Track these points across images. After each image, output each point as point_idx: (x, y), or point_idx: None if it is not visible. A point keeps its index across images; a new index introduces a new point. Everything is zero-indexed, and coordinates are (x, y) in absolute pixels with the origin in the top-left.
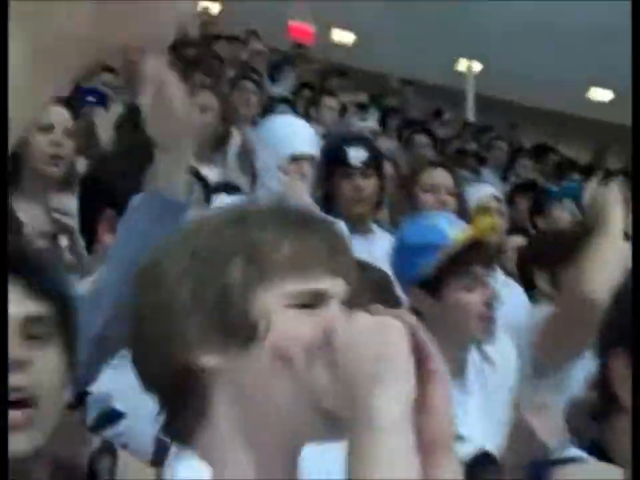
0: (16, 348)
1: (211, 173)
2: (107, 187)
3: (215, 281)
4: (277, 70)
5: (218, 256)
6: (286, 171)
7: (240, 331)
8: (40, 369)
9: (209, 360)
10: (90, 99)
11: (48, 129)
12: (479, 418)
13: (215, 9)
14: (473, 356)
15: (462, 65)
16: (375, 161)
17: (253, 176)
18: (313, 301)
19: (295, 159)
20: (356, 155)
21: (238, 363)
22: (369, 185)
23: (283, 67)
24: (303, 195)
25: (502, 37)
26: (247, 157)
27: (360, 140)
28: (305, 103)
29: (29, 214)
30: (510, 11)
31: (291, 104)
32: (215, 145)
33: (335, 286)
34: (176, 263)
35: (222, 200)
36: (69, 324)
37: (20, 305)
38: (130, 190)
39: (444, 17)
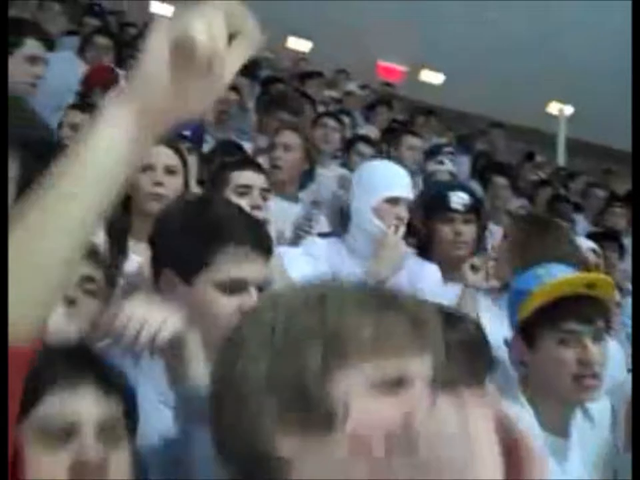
0: (92, 451)
1: (296, 211)
2: (170, 248)
3: (291, 365)
4: (371, 110)
5: (294, 339)
6: (380, 214)
7: (317, 417)
8: (114, 469)
9: (284, 447)
10: (186, 132)
11: (147, 168)
12: (578, 477)
13: (305, 46)
14: (576, 412)
15: (553, 107)
16: (476, 207)
17: (344, 217)
18: (396, 384)
19: (390, 201)
20: (458, 199)
21: (315, 452)
22: (469, 230)
23: (377, 107)
24: (398, 241)
25: (594, 79)
26: (330, 197)
27: (462, 185)
28: (385, 141)
29: (143, 255)
30: (603, 53)
31: (372, 143)
32: (299, 183)
33: (420, 365)
34: (254, 338)
35: (314, 241)
36: (134, 416)
37: (94, 407)
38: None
39: (534, 57)
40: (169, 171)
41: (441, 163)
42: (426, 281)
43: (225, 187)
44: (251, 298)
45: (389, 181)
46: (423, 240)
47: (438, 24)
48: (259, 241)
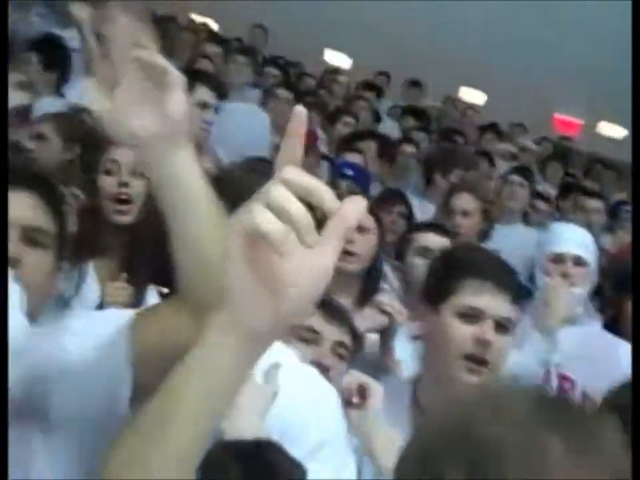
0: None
1: None
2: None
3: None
4: (546, 165)
5: (436, 459)
6: (548, 273)
7: None
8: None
9: None
10: (347, 172)
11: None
12: None
13: (480, 99)
14: None
15: None
16: None
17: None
18: None
19: (555, 259)
20: None
21: None
22: None
23: (552, 162)
24: (564, 294)
25: None
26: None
27: None
28: (562, 198)
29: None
30: None
31: (549, 201)
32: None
33: None
34: (403, 461)
35: None
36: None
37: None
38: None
39: None
40: (361, 229)
41: None
42: (619, 361)
43: (408, 247)
44: (486, 329)
45: (554, 238)
46: (612, 315)
47: (615, 77)
48: (501, 278)
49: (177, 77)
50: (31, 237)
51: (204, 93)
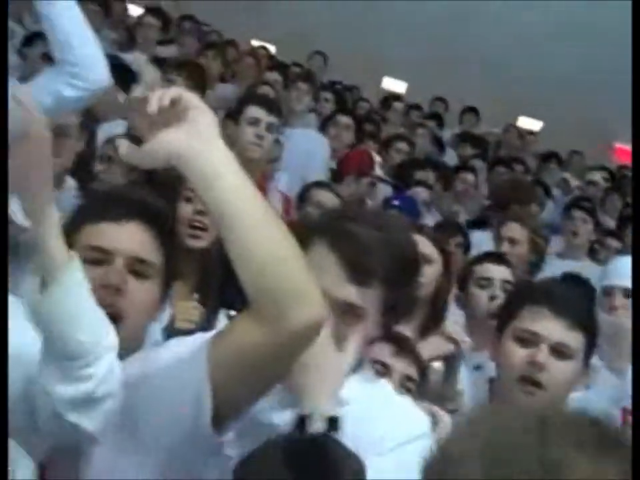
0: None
1: None
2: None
3: None
4: (605, 196)
5: (507, 461)
6: (601, 304)
7: None
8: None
9: None
10: (394, 202)
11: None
12: None
13: (535, 126)
14: None
15: None
16: None
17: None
18: None
19: (606, 292)
20: None
21: None
22: None
23: (611, 193)
24: (619, 326)
25: None
26: None
27: None
28: (621, 230)
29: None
30: None
31: (616, 236)
32: (527, 273)
33: None
34: (464, 461)
35: None
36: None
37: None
38: None
39: None
40: (424, 259)
41: None
42: None
43: (470, 278)
44: (539, 351)
45: (607, 271)
46: None
47: None
48: (559, 304)
49: (194, 99)
50: (136, 268)
51: (254, 110)
